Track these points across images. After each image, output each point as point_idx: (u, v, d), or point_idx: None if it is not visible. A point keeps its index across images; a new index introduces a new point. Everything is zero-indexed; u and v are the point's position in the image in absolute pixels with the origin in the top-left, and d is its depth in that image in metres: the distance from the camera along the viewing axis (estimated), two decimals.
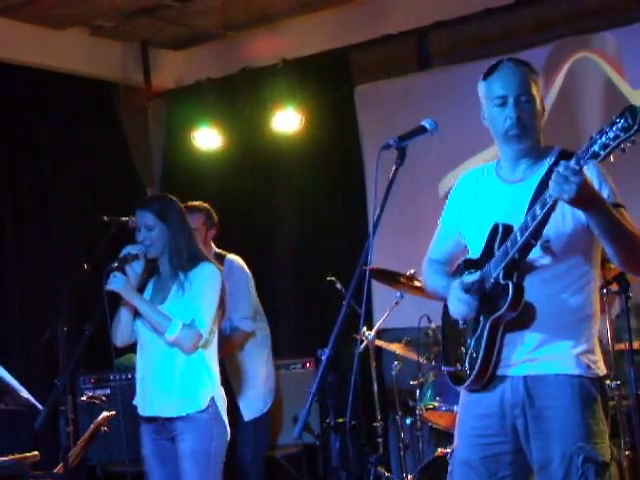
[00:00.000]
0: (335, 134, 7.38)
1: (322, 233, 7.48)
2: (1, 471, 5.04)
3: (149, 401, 4.48)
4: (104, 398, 5.61)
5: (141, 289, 4.53)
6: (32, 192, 7.07)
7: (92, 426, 5.21)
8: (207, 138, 7.35)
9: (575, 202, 2.91)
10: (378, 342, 5.78)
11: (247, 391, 5.78)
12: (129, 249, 4.47)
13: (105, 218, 5.05)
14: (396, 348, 5.78)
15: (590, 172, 2.99)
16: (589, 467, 3.11)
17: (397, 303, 5.58)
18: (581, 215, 3.10)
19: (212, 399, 4.39)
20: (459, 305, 3.28)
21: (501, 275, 3.16)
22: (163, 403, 4.42)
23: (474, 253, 3.36)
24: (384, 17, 7.03)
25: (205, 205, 5.72)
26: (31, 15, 6.88)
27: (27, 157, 7.11)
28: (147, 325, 4.47)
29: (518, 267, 3.15)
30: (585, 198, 2.91)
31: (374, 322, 6.10)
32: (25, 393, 4.66)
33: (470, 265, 3.33)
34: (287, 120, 7.05)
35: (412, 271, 5.39)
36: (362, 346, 5.62)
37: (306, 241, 7.54)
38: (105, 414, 5.21)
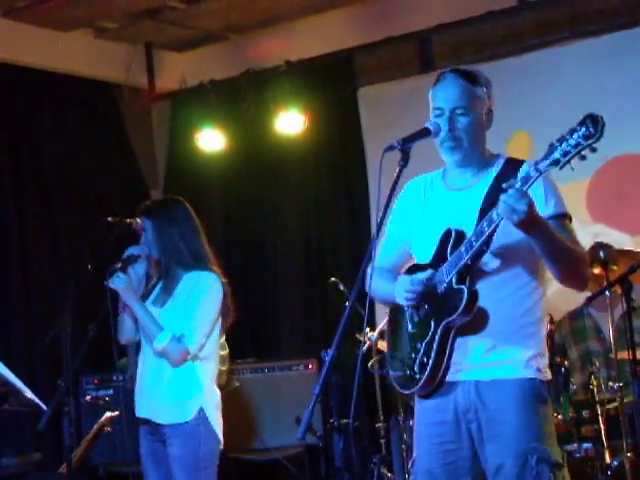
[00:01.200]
0: (338, 136, 7.40)
1: (325, 234, 7.49)
2: (5, 471, 5.06)
3: (143, 403, 4.47)
4: (107, 399, 5.63)
5: (151, 290, 4.54)
6: (36, 193, 7.08)
7: (95, 427, 5.23)
8: (211, 140, 7.36)
9: (520, 225, 2.98)
10: (381, 343, 5.79)
11: None
12: (132, 250, 4.48)
13: (109, 219, 5.06)
14: None
15: (536, 183, 3.01)
16: (543, 467, 3.13)
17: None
18: None
19: (200, 410, 4.33)
20: (409, 288, 3.26)
21: (454, 280, 3.17)
22: (153, 408, 4.41)
23: (421, 259, 3.36)
24: (387, 19, 7.04)
25: None
26: (36, 17, 6.89)
27: (31, 158, 7.12)
28: None
29: (470, 272, 3.18)
30: (529, 222, 2.97)
31: (377, 323, 6.11)
32: (29, 394, 4.67)
33: (418, 270, 3.33)
34: (290, 122, 7.07)
35: None
36: (365, 347, 5.62)
37: (309, 242, 7.54)
38: (108, 415, 5.23)
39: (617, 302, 5.01)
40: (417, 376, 3.26)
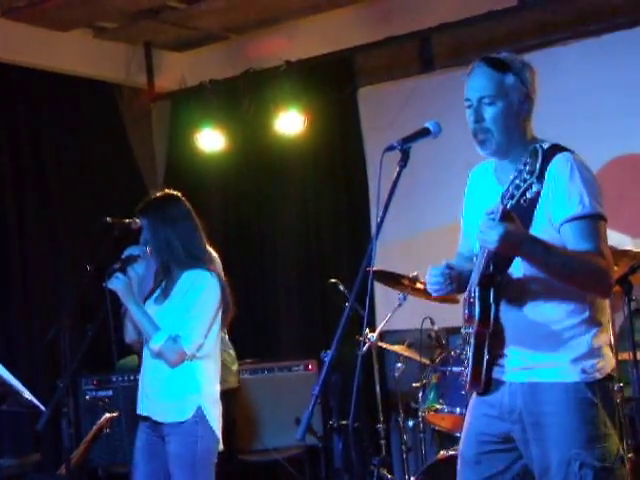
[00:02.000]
0: (338, 136, 7.39)
1: (325, 234, 7.48)
2: (4, 472, 5.05)
3: (144, 402, 4.48)
4: (106, 400, 5.62)
5: (155, 288, 4.53)
6: (35, 193, 7.06)
7: (94, 428, 5.22)
8: (210, 140, 7.35)
9: (499, 253, 2.96)
10: (381, 344, 5.78)
11: None
12: (131, 250, 4.47)
13: (108, 219, 5.05)
14: (399, 350, 5.77)
15: (564, 176, 2.98)
16: (587, 472, 3.10)
17: (400, 305, 5.57)
18: (555, 225, 3.11)
19: (199, 408, 4.33)
20: (430, 279, 3.29)
21: (477, 292, 3.14)
22: (153, 407, 4.42)
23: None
24: (387, 19, 7.03)
25: None
26: (35, 17, 6.88)
27: (30, 158, 7.10)
28: None
29: (493, 280, 3.13)
30: (507, 249, 2.95)
31: (377, 324, 6.10)
32: (28, 394, 4.65)
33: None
34: (290, 122, 7.06)
35: (415, 273, 5.38)
36: (365, 348, 5.61)
37: (309, 242, 7.53)
38: (107, 416, 5.22)
39: (617, 302, 4.99)
40: (465, 376, 3.28)
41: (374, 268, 3.11)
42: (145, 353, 4.52)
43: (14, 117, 7.05)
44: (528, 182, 2.88)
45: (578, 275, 3.06)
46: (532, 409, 3.19)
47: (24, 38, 6.95)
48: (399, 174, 3.09)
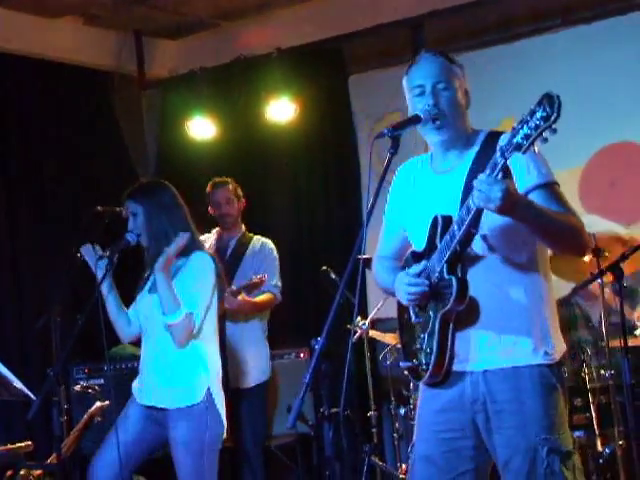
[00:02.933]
0: (329, 123, 7.38)
1: (316, 222, 7.48)
2: None
3: (146, 392, 4.48)
4: (97, 388, 5.61)
5: (146, 279, 4.54)
6: (25, 182, 7.03)
7: (85, 416, 5.21)
8: (201, 127, 7.34)
9: (500, 211, 2.92)
10: (372, 332, 5.78)
11: (256, 356, 5.96)
12: (129, 237, 4.46)
13: (99, 208, 5.05)
14: (390, 338, 5.77)
15: (516, 156, 2.93)
16: (554, 457, 3.12)
17: (390, 295, 5.55)
18: None
19: (208, 390, 4.38)
20: (408, 289, 3.23)
21: (445, 269, 3.13)
22: (158, 394, 4.42)
23: (418, 246, 3.33)
24: (379, 6, 7.01)
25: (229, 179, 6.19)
26: (25, 4, 6.85)
27: (20, 145, 7.07)
28: (144, 314, 4.49)
29: (460, 259, 3.13)
30: (508, 207, 2.91)
31: (368, 312, 6.10)
32: (18, 383, 4.65)
33: (416, 258, 3.31)
34: (281, 109, 7.04)
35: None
36: (356, 336, 5.62)
37: (300, 230, 7.53)
38: (98, 404, 5.21)
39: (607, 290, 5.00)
40: (424, 367, 3.24)
41: (365, 256, 3.10)
42: (148, 342, 4.52)
43: (2, 104, 7.01)
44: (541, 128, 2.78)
45: (564, 233, 3.10)
46: (496, 397, 3.17)
47: (14, 25, 6.92)
48: (389, 161, 3.08)
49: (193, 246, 4.48)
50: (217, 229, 6.22)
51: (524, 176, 3.12)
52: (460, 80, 3.28)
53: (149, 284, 4.52)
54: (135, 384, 4.58)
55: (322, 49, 7.27)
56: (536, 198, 3.10)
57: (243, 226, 6.23)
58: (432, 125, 3.21)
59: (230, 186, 6.17)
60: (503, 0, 6.54)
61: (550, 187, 3.16)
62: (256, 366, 5.95)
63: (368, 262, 3.42)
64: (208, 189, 6.20)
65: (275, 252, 6.13)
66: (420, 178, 3.39)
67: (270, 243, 6.17)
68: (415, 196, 3.38)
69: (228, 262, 5.90)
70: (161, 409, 4.41)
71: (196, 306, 4.38)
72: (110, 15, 7.30)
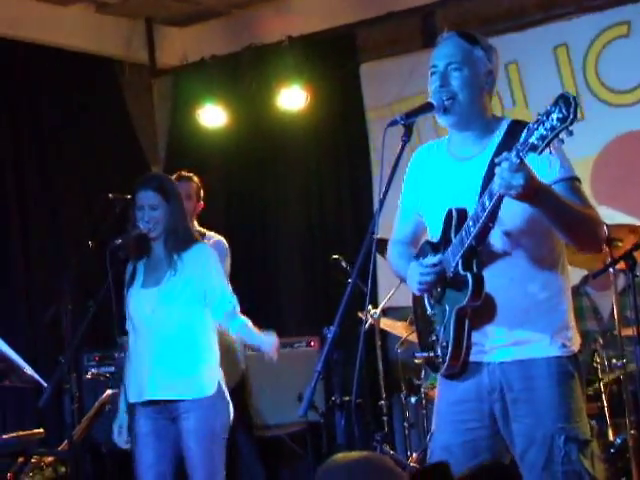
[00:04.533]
0: (340, 111, 7.36)
1: (328, 210, 7.47)
2: (7, 448, 5.05)
3: (149, 385, 4.41)
4: (108, 375, 5.62)
5: (133, 275, 4.51)
6: (36, 170, 7.05)
7: (96, 404, 5.23)
8: (212, 116, 7.33)
9: (521, 198, 2.89)
10: (383, 320, 5.77)
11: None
12: (142, 226, 4.44)
13: (110, 196, 5.05)
14: (401, 328, 5.76)
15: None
16: (571, 446, 3.11)
17: (403, 281, 5.55)
18: None
19: (219, 382, 4.40)
20: (420, 278, 3.22)
21: (460, 264, 3.10)
22: (165, 387, 4.38)
23: (433, 234, 3.31)
24: None
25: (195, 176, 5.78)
26: None
27: (31, 135, 7.08)
28: (141, 310, 4.45)
29: (476, 254, 3.10)
30: (530, 193, 2.88)
31: (379, 300, 6.10)
32: (30, 370, 4.66)
33: (431, 248, 3.28)
34: (292, 98, 7.03)
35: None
36: (367, 325, 5.61)
37: (311, 219, 7.52)
38: (109, 392, 5.22)
39: (607, 282, 4.98)
40: (440, 359, 3.23)
41: (378, 236, 3.07)
42: (148, 338, 4.46)
43: (14, 92, 7.02)
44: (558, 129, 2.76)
45: (583, 225, 3.07)
46: (513, 386, 3.16)
47: (25, 13, 6.92)
48: (402, 149, 3.05)
49: (192, 238, 4.52)
50: None
51: (546, 170, 3.07)
52: (481, 62, 3.23)
53: (140, 281, 4.49)
54: (129, 387, 4.48)
55: (333, 37, 7.25)
56: (557, 191, 3.06)
57: (197, 225, 5.70)
58: (438, 107, 3.17)
59: (194, 184, 5.75)
60: None
61: (572, 181, 3.13)
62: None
63: (381, 245, 3.39)
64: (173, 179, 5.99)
65: (228, 252, 5.73)
66: (438, 163, 3.34)
67: (224, 241, 5.78)
68: (433, 182, 3.33)
69: None
70: (171, 401, 4.39)
71: (224, 290, 4.48)
72: (121, 3, 7.29)
